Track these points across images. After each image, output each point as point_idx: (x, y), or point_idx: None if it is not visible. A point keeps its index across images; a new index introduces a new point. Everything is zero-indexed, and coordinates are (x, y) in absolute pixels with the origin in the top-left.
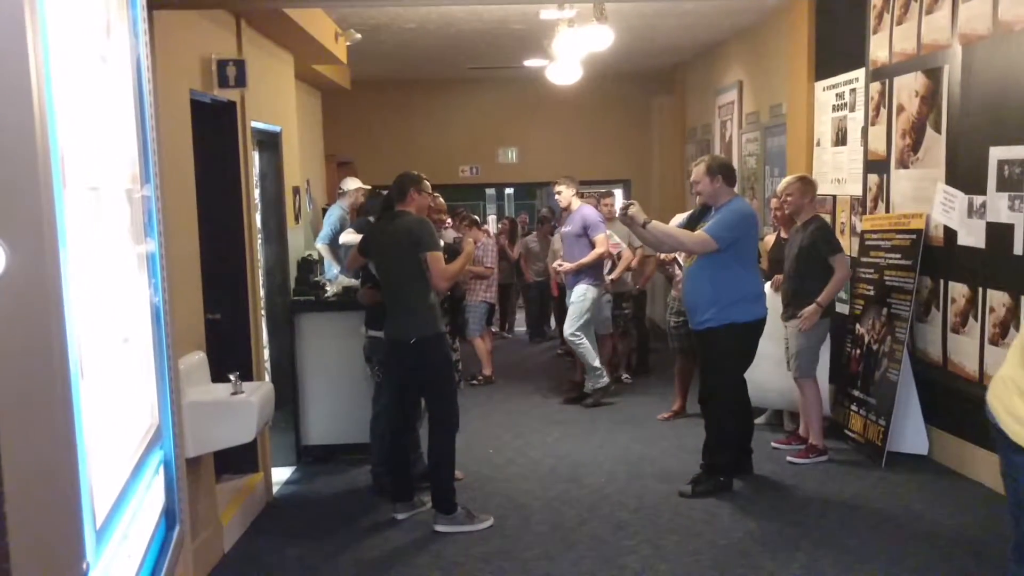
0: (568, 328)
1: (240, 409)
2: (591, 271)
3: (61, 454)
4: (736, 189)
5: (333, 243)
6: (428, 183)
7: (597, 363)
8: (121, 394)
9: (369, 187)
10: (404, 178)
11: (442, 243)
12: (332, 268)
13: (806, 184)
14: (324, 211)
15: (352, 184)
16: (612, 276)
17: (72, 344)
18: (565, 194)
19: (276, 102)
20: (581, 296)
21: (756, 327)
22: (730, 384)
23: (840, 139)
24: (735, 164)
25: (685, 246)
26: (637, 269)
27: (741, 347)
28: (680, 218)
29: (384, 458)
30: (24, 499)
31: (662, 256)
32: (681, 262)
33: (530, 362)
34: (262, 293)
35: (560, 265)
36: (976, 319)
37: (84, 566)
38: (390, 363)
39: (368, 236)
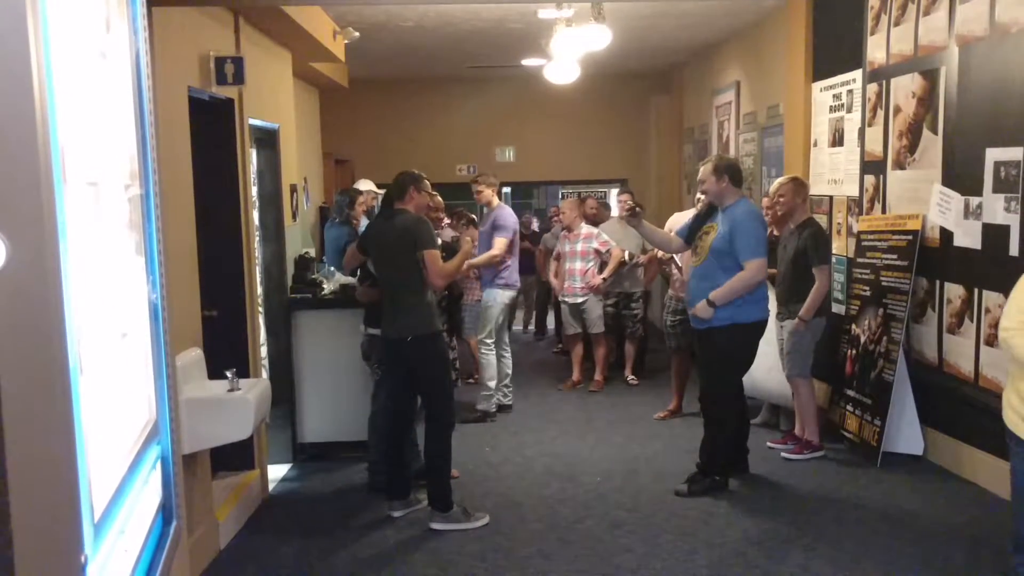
0: (479, 335)
1: (237, 406)
2: (502, 274)
3: (61, 447)
4: None
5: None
6: (428, 182)
7: (493, 384)
8: (119, 389)
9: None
10: (404, 176)
11: (440, 241)
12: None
13: (798, 185)
14: (321, 209)
15: (365, 186)
16: (604, 275)
17: (72, 338)
18: (485, 193)
19: (274, 100)
20: (491, 301)
21: (758, 328)
22: (729, 383)
23: (837, 140)
24: None
25: (750, 286)
26: (648, 265)
27: (742, 347)
28: (679, 217)
29: (380, 456)
30: (26, 490)
31: (660, 255)
32: (679, 262)
33: (527, 360)
34: (259, 290)
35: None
36: (972, 320)
37: (83, 558)
38: (387, 361)
39: (367, 234)
